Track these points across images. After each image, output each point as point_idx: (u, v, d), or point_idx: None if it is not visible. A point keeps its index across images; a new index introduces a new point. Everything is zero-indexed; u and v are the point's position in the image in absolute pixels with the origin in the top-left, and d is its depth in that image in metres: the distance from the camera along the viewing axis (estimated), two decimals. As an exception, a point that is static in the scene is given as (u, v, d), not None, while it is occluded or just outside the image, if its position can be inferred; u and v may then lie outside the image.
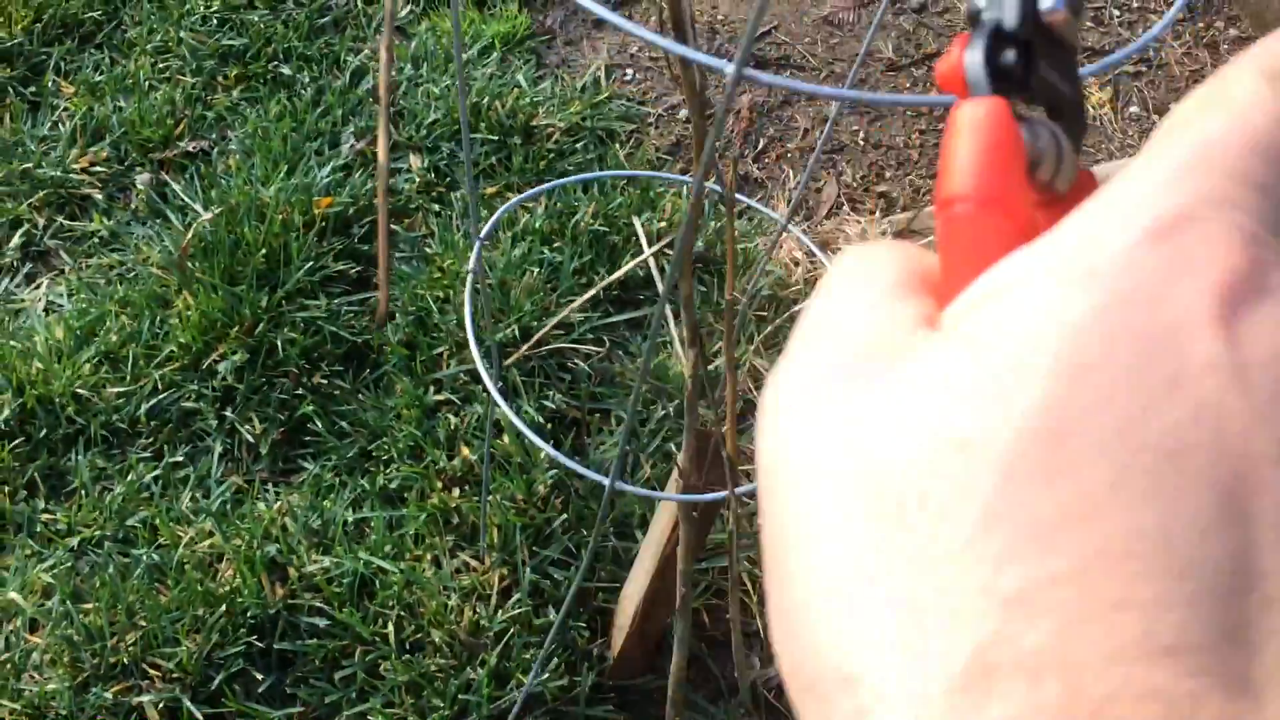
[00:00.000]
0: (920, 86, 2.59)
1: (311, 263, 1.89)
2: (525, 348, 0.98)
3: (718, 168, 1.14)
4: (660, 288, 0.91)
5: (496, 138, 2.20)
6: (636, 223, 1.06)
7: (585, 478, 1.69)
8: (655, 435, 1.77)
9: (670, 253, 2.06)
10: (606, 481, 1.01)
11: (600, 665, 1.53)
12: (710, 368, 1.89)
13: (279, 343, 1.79)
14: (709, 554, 1.67)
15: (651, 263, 0.96)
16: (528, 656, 1.49)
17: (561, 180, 1.09)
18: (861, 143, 2.44)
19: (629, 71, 2.53)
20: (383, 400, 1.78)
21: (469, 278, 1.07)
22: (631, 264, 0.84)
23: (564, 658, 1.51)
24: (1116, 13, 2.90)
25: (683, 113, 2.45)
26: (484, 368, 1.04)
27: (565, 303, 1.90)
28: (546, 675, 1.47)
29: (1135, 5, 2.90)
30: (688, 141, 2.41)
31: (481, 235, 1.13)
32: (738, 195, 1.30)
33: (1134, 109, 2.60)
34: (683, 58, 0.65)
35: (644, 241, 0.94)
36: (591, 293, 0.84)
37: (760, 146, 2.41)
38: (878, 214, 2.21)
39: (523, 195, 1.15)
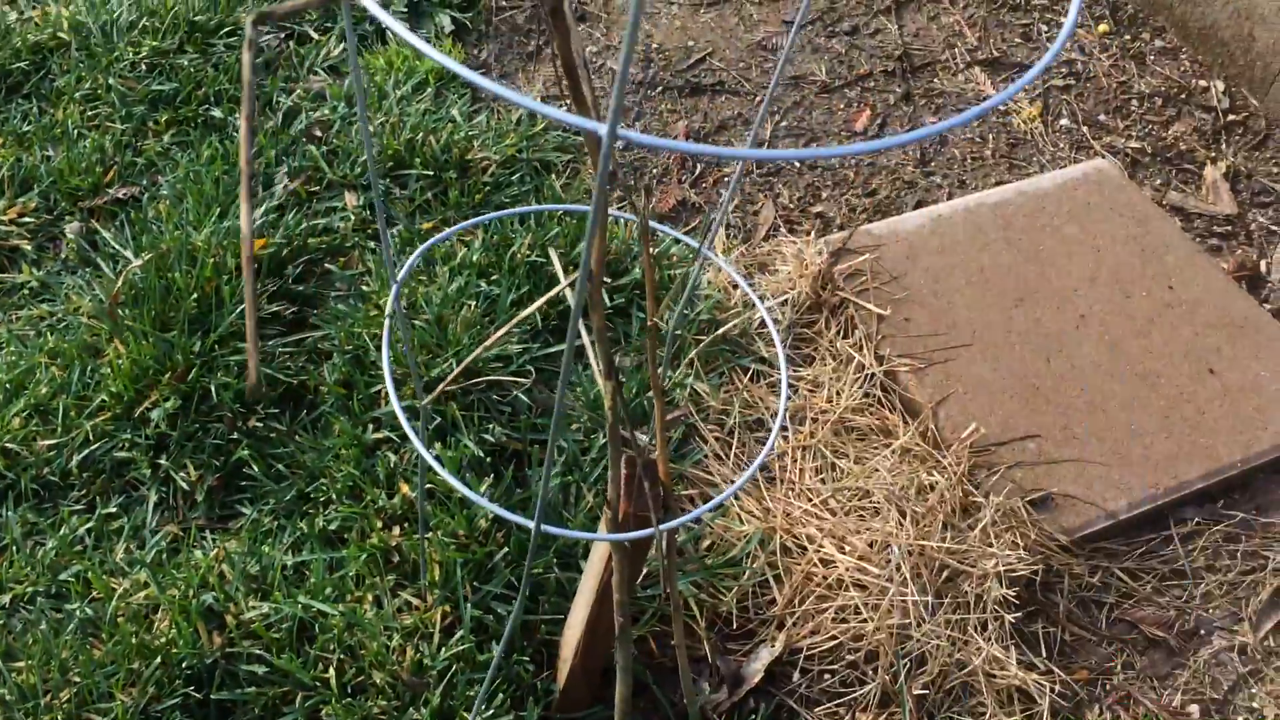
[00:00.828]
0: (854, 107, 2.63)
1: (244, 305, 1.87)
2: (449, 380, 0.98)
3: (631, 200, 1.14)
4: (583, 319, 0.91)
5: (432, 173, 2.20)
6: (552, 254, 1.07)
7: (507, 473, 1.68)
8: (597, 464, 1.77)
9: (610, 281, 2.07)
10: (532, 525, 1.00)
11: (547, 699, 1.52)
12: (645, 427, 1.89)
13: (213, 387, 1.77)
14: (651, 581, 1.67)
15: (569, 295, 0.96)
16: (471, 694, 1.48)
17: (476, 219, 1.10)
18: (798, 165, 2.47)
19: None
20: (320, 441, 1.76)
21: (386, 322, 1.06)
22: (551, 292, 0.84)
23: (510, 693, 1.49)
24: (1045, 29, 2.95)
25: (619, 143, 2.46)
26: (404, 417, 1.04)
27: (504, 336, 1.90)
28: (491, 712, 1.45)
29: (1062, 21, 2.96)
30: (625, 169, 2.42)
31: (399, 278, 1.13)
32: (657, 225, 1.32)
33: (1064, 121, 2.65)
34: (565, 115, 0.65)
35: (560, 273, 0.94)
36: (504, 330, 0.84)
37: (697, 172, 2.42)
38: (813, 234, 2.23)
39: (443, 234, 1.15)
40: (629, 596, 1.24)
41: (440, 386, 0.95)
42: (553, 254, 1.08)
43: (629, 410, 0.98)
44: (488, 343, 0.92)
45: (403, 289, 1.94)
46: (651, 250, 2.27)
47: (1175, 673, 1.70)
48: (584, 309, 0.90)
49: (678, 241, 2.15)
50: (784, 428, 1.90)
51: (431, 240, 1.14)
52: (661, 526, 1.04)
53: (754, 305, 2.07)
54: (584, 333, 1.06)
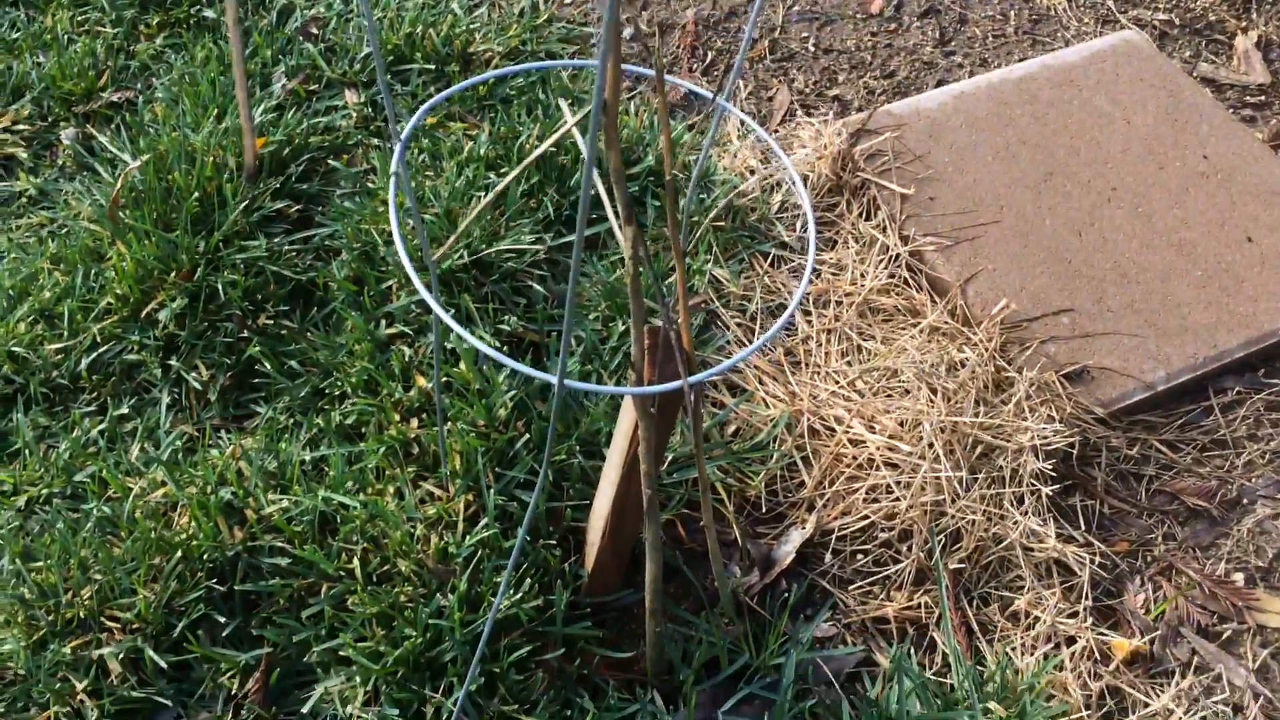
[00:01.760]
0: (868, -11, 2.52)
1: (247, 204, 1.82)
2: (452, 240, 0.93)
3: (646, 43, 1.08)
4: (609, 210, 0.85)
5: (433, 67, 2.13)
6: (563, 104, 1.00)
7: (535, 380, 1.64)
8: (616, 353, 1.72)
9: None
10: (554, 379, 0.96)
11: (575, 584, 1.49)
12: (667, 283, 1.84)
13: (220, 286, 1.72)
14: (678, 466, 1.63)
15: (582, 141, 0.91)
16: (499, 580, 1.45)
17: (475, 80, 1.04)
18: (812, 49, 2.38)
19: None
20: (333, 338, 1.72)
21: (390, 180, 1.01)
22: (559, 130, 0.78)
23: (537, 579, 1.46)
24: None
25: (627, 31, 2.38)
26: (411, 269, 0.98)
27: (514, 226, 1.84)
28: (520, 596, 1.42)
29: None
30: (634, 60, 2.34)
31: (404, 135, 1.07)
32: (674, 79, 1.25)
33: (1087, -3, 2.54)
34: None
35: (568, 114, 0.88)
36: (505, 182, 0.78)
37: (708, 60, 2.34)
38: (830, 116, 2.15)
39: (446, 93, 1.09)
40: (656, 468, 1.19)
41: (451, 240, 0.89)
42: (563, 103, 1.01)
43: (650, 261, 0.93)
44: (487, 199, 0.86)
45: (410, 183, 1.88)
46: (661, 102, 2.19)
47: (1219, 542, 1.66)
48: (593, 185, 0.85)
49: (696, 97, 2.08)
50: (815, 270, 1.84)
51: (436, 98, 1.08)
52: (689, 379, 0.99)
53: (772, 190, 2.01)
54: (599, 184, 1.00)
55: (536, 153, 0.88)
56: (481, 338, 1.69)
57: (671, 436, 1.66)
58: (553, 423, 0.96)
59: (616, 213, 1.33)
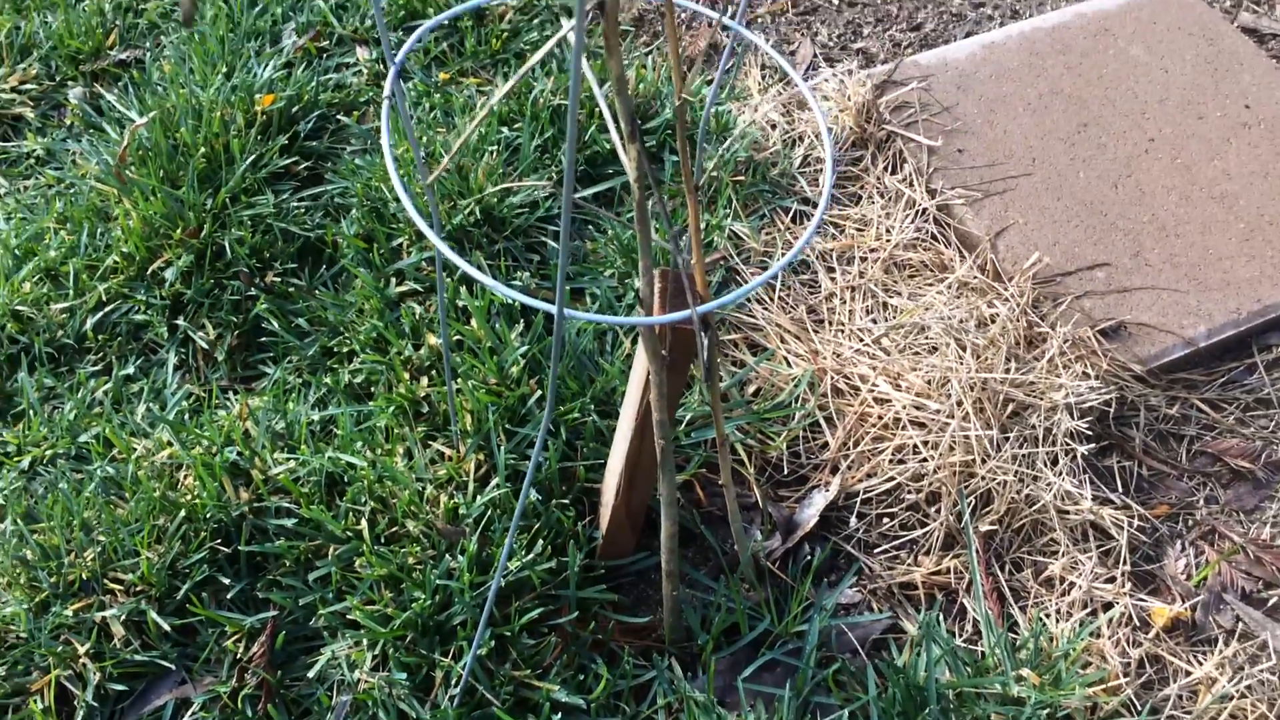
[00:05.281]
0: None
1: (255, 159, 1.77)
2: (452, 155, 0.88)
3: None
4: (622, 154, 0.80)
5: (446, 22, 2.07)
6: (563, 19, 0.94)
7: (538, 319, 1.59)
8: (632, 310, 1.67)
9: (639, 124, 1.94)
10: (553, 309, 0.90)
11: (590, 546, 1.44)
12: (684, 234, 1.78)
13: (227, 243, 1.68)
14: (696, 427, 1.57)
15: (609, 118, 0.85)
16: (511, 541, 1.40)
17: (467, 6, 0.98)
18: (836, 2, 2.30)
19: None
20: (342, 296, 1.67)
21: (384, 103, 0.95)
22: (554, 40, 0.73)
23: (550, 540, 1.42)
24: None
25: (645, -13, 2.31)
26: (409, 201, 0.93)
27: (529, 181, 1.79)
28: (532, 558, 1.38)
29: None
30: (650, 16, 2.27)
31: (398, 59, 1.01)
32: (684, 1, 1.19)
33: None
34: None
35: (565, 26, 0.82)
36: (509, 86, 0.73)
37: (728, 9, 2.26)
38: (855, 68, 2.08)
39: (443, 15, 1.03)
40: (670, 417, 1.14)
41: (447, 159, 0.84)
42: (564, 19, 0.95)
43: (661, 190, 0.87)
44: (474, 124, 0.80)
45: (420, 139, 1.83)
46: (684, 97, 2.13)
47: (1263, 505, 1.58)
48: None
49: (716, 52, 2.01)
50: (838, 225, 1.78)
51: (434, 20, 1.02)
52: (697, 309, 0.93)
53: (794, 144, 1.94)
54: (602, 104, 0.94)
55: (532, 60, 0.82)
56: (493, 295, 1.64)
57: (689, 394, 1.60)
58: (555, 358, 0.91)
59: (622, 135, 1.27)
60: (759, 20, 2.26)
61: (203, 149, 1.75)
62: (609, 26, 0.74)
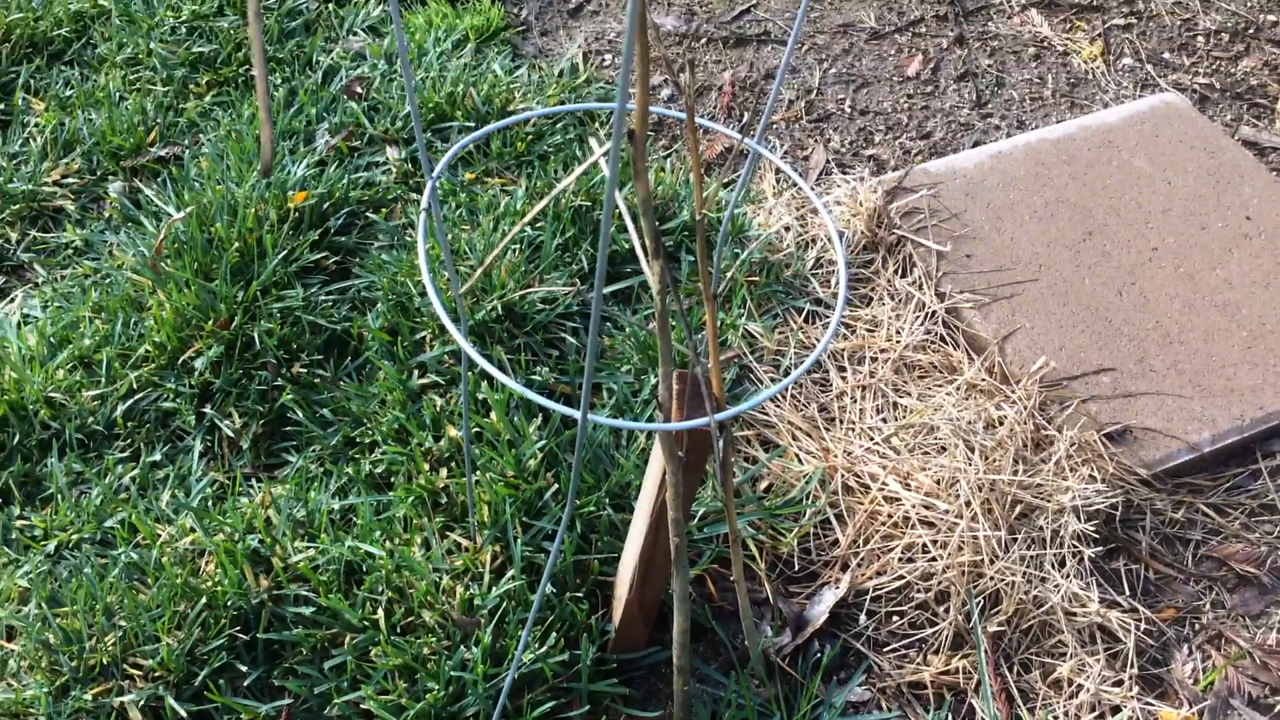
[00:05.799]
0: (905, 53, 2.54)
1: (286, 254, 1.84)
2: (479, 271, 0.93)
3: (676, 80, 1.08)
4: (644, 263, 0.85)
5: (473, 124, 2.16)
6: (593, 141, 1.01)
7: (555, 413, 1.62)
8: (648, 406, 1.71)
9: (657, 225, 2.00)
10: (577, 414, 0.95)
11: (602, 639, 1.46)
12: (699, 335, 1.83)
13: (256, 335, 1.73)
14: (708, 522, 1.60)
15: (630, 226, 0.90)
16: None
17: (505, 121, 1.04)
18: (848, 110, 2.39)
19: (607, 56, 2.49)
20: (365, 387, 1.72)
21: (421, 216, 1.01)
22: (588, 162, 0.78)
23: (563, 632, 1.44)
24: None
25: (665, 92, 2.40)
26: (439, 303, 0.98)
27: (549, 280, 1.85)
28: (545, 650, 1.39)
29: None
30: (669, 120, 2.36)
31: (435, 174, 1.08)
32: (707, 123, 1.25)
33: (1127, 60, 2.54)
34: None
35: (595, 149, 0.89)
36: (526, 219, 0.78)
37: (744, 120, 2.35)
38: (866, 175, 2.15)
39: (474, 135, 1.09)
40: (684, 515, 1.17)
41: (479, 271, 0.89)
42: (593, 141, 1.02)
43: (678, 291, 0.92)
44: (513, 232, 0.86)
45: (442, 225, 1.89)
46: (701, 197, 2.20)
47: (1269, 610, 1.59)
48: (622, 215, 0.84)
49: (729, 184, 2.09)
50: (849, 326, 1.82)
51: (467, 140, 1.08)
52: (715, 416, 0.97)
53: (807, 246, 2.00)
54: (622, 206, 1.00)
55: (567, 180, 0.88)
56: (514, 392, 1.68)
57: (702, 490, 1.63)
58: (577, 461, 0.95)
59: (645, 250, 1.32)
60: (774, 126, 2.34)
61: (236, 243, 1.82)
62: (637, 152, 0.80)
